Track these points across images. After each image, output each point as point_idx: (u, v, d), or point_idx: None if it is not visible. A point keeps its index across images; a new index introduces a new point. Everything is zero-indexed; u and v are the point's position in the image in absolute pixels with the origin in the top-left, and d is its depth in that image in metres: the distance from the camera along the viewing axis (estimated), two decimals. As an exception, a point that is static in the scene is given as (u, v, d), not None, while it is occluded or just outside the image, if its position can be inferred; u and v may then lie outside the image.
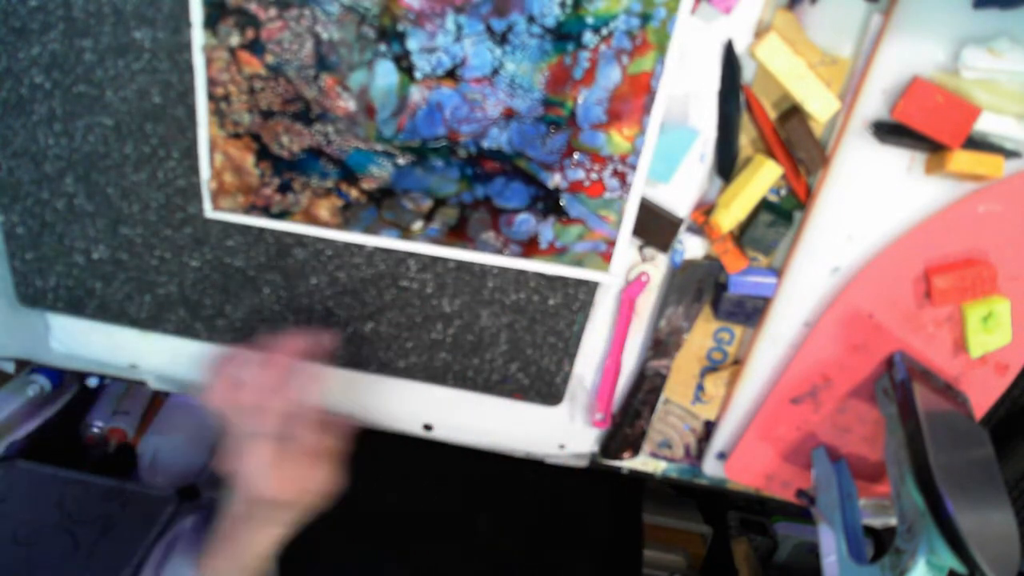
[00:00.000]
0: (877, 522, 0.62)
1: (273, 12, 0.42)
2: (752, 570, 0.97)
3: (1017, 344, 0.51)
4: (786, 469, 0.58)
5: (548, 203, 0.46)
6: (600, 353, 0.56)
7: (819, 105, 0.44)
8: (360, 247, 0.51)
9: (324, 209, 0.47)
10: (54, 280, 0.54)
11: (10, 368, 0.95)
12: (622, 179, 0.45)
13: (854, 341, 0.52)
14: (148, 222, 0.52)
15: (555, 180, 0.45)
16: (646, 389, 0.56)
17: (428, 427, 0.61)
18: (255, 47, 0.43)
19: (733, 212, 0.47)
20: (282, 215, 0.49)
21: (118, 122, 0.48)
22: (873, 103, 0.44)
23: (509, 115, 0.43)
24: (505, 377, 0.56)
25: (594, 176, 0.45)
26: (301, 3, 0.42)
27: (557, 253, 0.48)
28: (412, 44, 0.42)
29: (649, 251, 0.51)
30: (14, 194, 0.51)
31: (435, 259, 0.51)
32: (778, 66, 0.44)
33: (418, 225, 0.47)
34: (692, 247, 0.50)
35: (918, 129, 0.44)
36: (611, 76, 0.42)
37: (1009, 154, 0.45)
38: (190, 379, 0.60)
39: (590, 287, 0.52)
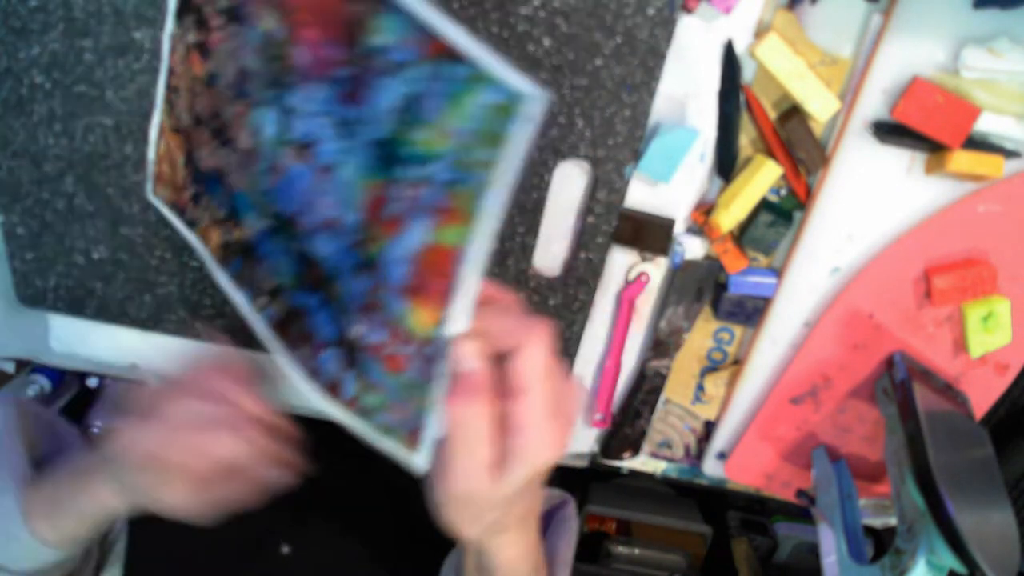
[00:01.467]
0: (877, 522, 0.62)
1: (219, 21, 0.39)
2: (752, 570, 0.97)
3: (1017, 344, 0.51)
4: (786, 469, 0.58)
5: (349, 352, 0.37)
6: (600, 353, 0.56)
7: (819, 105, 0.44)
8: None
9: (214, 236, 0.44)
10: (54, 280, 0.54)
11: (10, 368, 0.95)
12: (425, 366, 0.34)
13: (854, 341, 0.52)
14: (148, 222, 0.52)
15: (355, 330, 0.37)
16: (646, 389, 0.56)
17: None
18: (203, 50, 0.41)
19: (733, 212, 0.47)
20: (191, 224, 0.45)
21: (118, 122, 0.48)
22: (873, 103, 0.44)
23: (331, 225, 0.37)
24: (505, 377, 0.56)
25: (393, 349, 0.35)
26: (238, 20, 0.38)
27: (361, 412, 0.38)
28: (293, 100, 0.37)
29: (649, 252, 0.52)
30: (14, 194, 0.51)
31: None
32: (778, 66, 0.44)
33: (262, 300, 0.41)
34: (692, 247, 0.50)
35: (918, 129, 0.44)
36: (415, 234, 0.33)
37: (1009, 154, 0.45)
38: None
39: (590, 287, 0.52)
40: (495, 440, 0.30)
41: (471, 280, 0.31)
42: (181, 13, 0.41)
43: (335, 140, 0.35)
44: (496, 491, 0.31)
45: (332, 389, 0.38)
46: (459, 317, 0.31)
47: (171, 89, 0.44)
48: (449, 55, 0.30)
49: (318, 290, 0.39)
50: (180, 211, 0.46)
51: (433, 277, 0.33)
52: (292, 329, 0.40)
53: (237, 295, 0.43)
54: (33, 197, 0.51)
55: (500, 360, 0.31)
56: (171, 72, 0.43)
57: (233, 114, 0.40)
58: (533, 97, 0.27)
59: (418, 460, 0.34)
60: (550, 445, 0.30)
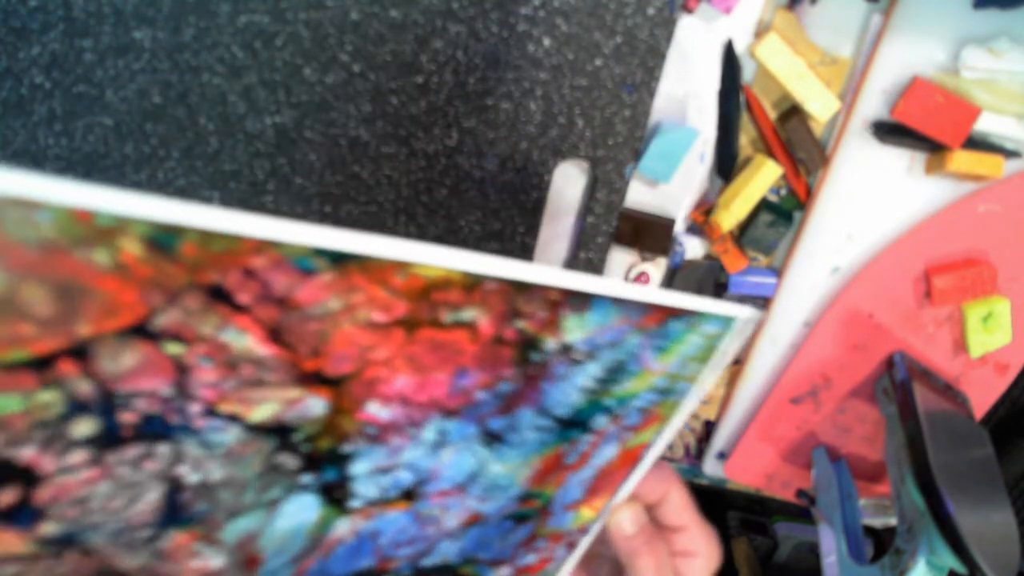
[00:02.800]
0: (877, 522, 0.62)
1: (77, 458, 0.20)
2: (752, 570, 0.97)
3: (1017, 344, 0.51)
4: (786, 469, 0.58)
5: None
6: (600, 353, 0.56)
7: (819, 105, 0.44)
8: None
9: None
10: (54, 280, 0.54)
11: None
12: (571, 547, 0.34)
13: (854, 341, 0.52)
14: (148, 222, 0.52)
15: (500, 573, 0.35)
16: (646, 389, 0.56)
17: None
18: (17, 516, 0.21)
19: (733, 212, 0.47)
20: None
21: (118, 122, 0.48)
22: (873, 103, 0.44)
23: (473, 521, 0.32)
24: (505, 377, 0.56)
25: (546, 554, 0.35)
26: (152, 437, 0.21)
27: None
28: (359, 468, 0.27)
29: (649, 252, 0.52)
30: (14, 194, 0.51)
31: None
32: (778, 66, 0.44)
33: None
34: (692, 247, 0.50)
35: (918, 129, 0.44)
36: (606, 454, 0.32)
37: (1009, 154, 0.45)
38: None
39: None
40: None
41: (647, 465, 0.32)
42: None
43: (474, 456, 0.30)
44: None
45: None
46: (623, 496, 0.33)
47: None
48: (663, 318, 0.28)
49: None
50: None
51: (613, 475, 0.33)
52: None
53: None
54: (33, 197, 0.51)
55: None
56: None
57: (158, 551, 0.24)
58: (749, 318, 0.28)
59: None
60: (715, 562, 0.35)
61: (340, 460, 0.26)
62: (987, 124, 0.44)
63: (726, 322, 0.28)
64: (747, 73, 0.46)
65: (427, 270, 0.22)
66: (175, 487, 0.23)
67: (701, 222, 0.50)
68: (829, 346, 0.52)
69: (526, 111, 0.46)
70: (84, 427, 0.20)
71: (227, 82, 0.47)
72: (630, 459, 0.33)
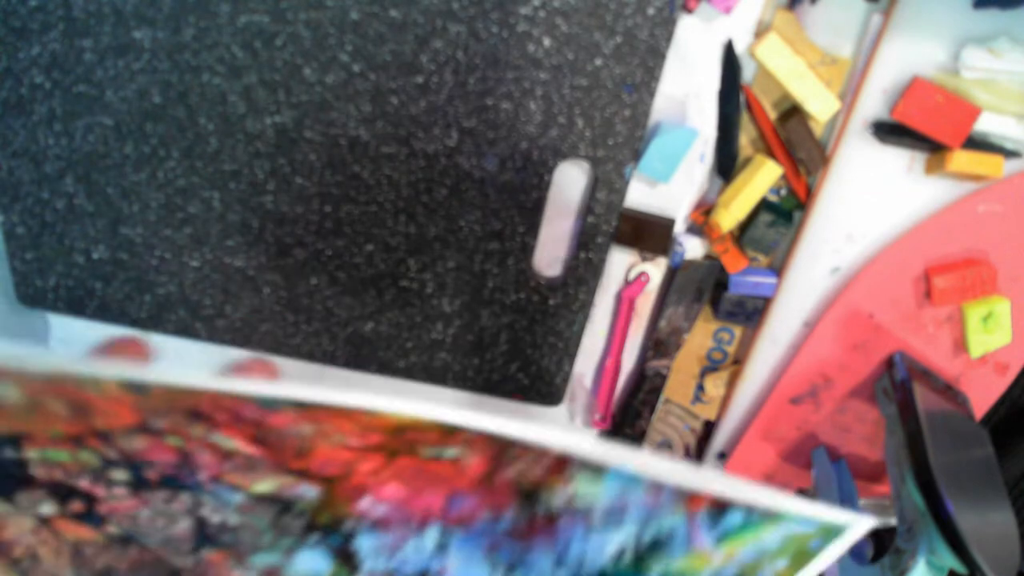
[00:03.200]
0: (877, 522, 0.62)
1: (120, 491, 0.27)
2: (752, 570, 0.97)
3: (1017, 344, 0.51)
4: (786, 469, 0.58)
5: None
6: (600, 353, 0.56)
7: (819, 105, 0.44)
8: (359, 249, 0.51)
9: None
10: (54, 280, 0.54)
11: (10, 368, 0.95)
12: None
13: (854, 341, 0.52)
14: (148, 222, 0.52)
15: None
16: (646, 389, 0.56)
17: (428, 427, 0.61)
18: (88, 518, 0.28)
19: (733, 212, 0.47)
20: None
21: (118, 122, 0.48)
22: (873, 103, 0.44)
23: None
24: (505, 377, 0.56)
25: None
26: (173, 487, 0.26)
27: None
28: (362, 544, 0.28)
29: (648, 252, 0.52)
30: (14, 194, 0.51)
31: (435, 259, 0.51)
32: (778, 66, 0.44)
33: None
34: (692, 247, 0.50)
35: (918, 129, 0.44)
36: None
37: (1009, 154, 0.45)
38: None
39: (590, 287, 0.52)
40: None
41: None
42: (7, 489, 0.27)
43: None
44: None
45: None
46: None
47: (15, 560, 0.29)
48: (720, 505, 0.25)
49: None
50: None
51: None
52: None
53: None
54: (33, 197, 0.51)
55: None
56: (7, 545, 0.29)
57: (201, 561, 0.28)
58: (856, 526, 0.26)
59: None
60: None
61: (344, 534, 0.27)
62: (987, 124, 0.44)
63: (820, 527, 0.25)
64: (747, 73, 0.46)
65: (394, 416, 0.24)
66: (201, 523, 0.28)
67: (701, 222, 0.50)
68: (829, 346, 0.52)
69: (526, 111, 0.46)
70: (119, 474, 0.26)
71: (227, 82, 0.47)
72: None
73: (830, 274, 0.50)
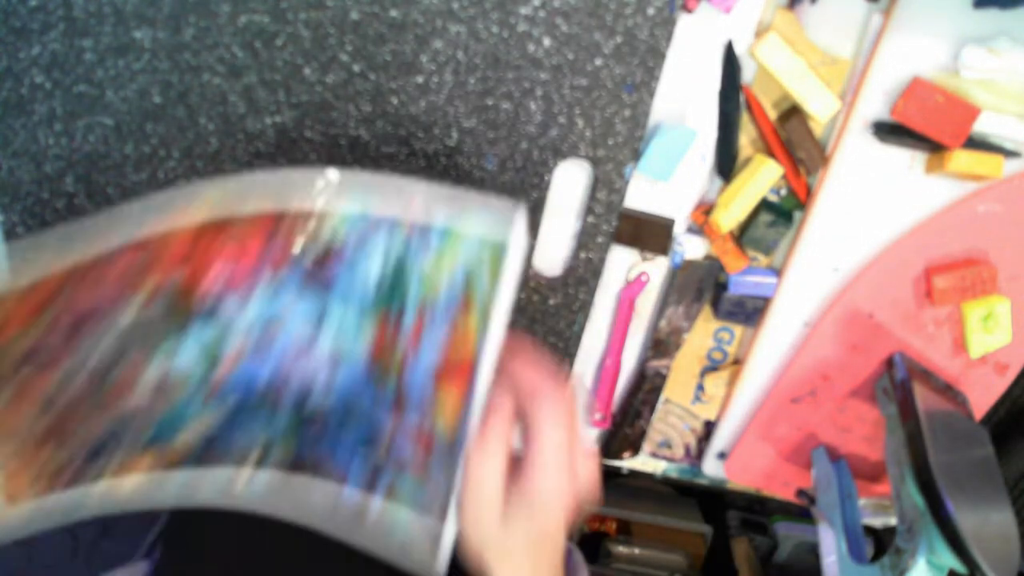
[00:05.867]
0: (877, 522, 0.62)
1: (45, 357, 0.39)
2: (752, 570, 0.97)
3: (1017, 344, 0.51)
4: (786, 469, 0.58)
5: (373, 477, 0.39)
6: (600, 353, 0.56)
7: (819, 105, 0.44)
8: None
9: (142, 464, 0.41)
10: (54, 280, 0.54)
11: (10, 368, 0.95)
12: (448, 462, 0.37)
13: (854, 341, 0.52)
14: (148, 222, 0.52)
15: (378, 454, 0.39)
16: (646, 389, 0.56)
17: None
18: (33, 387, 0.39)
19: (733, 212, 0.47)
20: (96, 478, 0.41)
21: (118, 122, 0.48)
22: (873, 103, 0.44)
23: (332, 378, 0.39)
24: (505, 377, 0.56)
25: (420, 458, 0.38)
26: (75, 336, 0.38)
27: (382, 529, 0.39)
28: (219, 319, 0.38)
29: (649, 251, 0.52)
30: (14, 194, 0.51)
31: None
32: (778, 66, 0.44)
33: (246, 472, 0.41)
34: (692, 247, 0.50)
35: (918, 129, 0.44)
36: (430, 355, 0.37)
37: (1009, 154, 0.45)
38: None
39: (590, 287, 0.52)
40: (506, 486, 0.32)
41: (485, 378, 0.34)
42: None
43: (302, 323, 0.38)
44: (506, 537, 0.32)
45: (357, 518, 0.39)
46: (477, 409, 0.34)
47: None
48: (423, 227, 0.35)
49: (321, 439, 0.40)
50: (70, 482, 0.41)
51: (453, 382, 0.36)
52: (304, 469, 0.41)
53: (207, 482, 0.41)
54: (33, 197, 0.51)
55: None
56: None
57: (115, 381, 0.39)
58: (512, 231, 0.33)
59: (438, 567, 0.36)
60: (556, 501, 0.31)
61: (202, 316, 0.38)
62: (987, 124, 0.44)
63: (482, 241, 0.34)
64: (747, 73, 0.46)
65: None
66: (105, 355, 0.39)
67: (701, 222, 0.50)
68: (829, 346, 0.52)
69: (526, 111, 0.46)
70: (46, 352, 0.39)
71: (227, 82, 0.47)
72: (461, 370, 0.36)
73: (830, 274, 0.50)
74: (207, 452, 0.41)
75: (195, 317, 0.38)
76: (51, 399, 0.39)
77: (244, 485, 0.41)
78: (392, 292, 0.37)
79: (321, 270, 0.37)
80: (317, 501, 0.40)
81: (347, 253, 0.37)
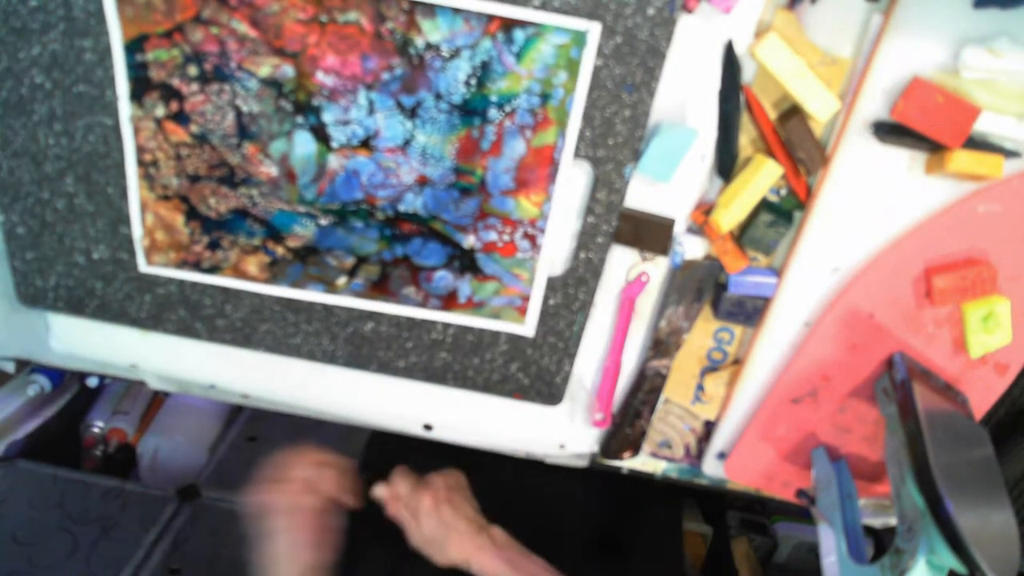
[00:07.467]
0: (877, 522, 0.62)
1: (195, 87, 0.45)
2: (752, 570, 0.97)
3: (1017, 344, 0.51)
4: (786, 469, 0.58)
5: (464, 261, 0.50)
6: (600, 353, 0.56)
7: (819, 105, 0.44)
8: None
9: (252, 265, 0.51)
10: (54, 280, 0.54)
11: (10, 368, 0.95)
12: (532, 241, 0.49)
13: (854, 341, 0.52)
14: (148, 222, 0.52)
15: (470, 241, 0.49)
16: (646, 389, 0.56)
17: (428, 427, 0.61)
18: (180, 118, 0.46)
19: (733, 212, 0.47)
20: (212, 270, 0.51)
21: (118, 122, 0.48)
22: (873, 103, 0.44)
23: (423, 182, 0.47)
24: (505, 377, 0.56)
25: (506, 238, 0.49)
26: (221, 79, 0.45)
27: (475, 307, 0.51)
28: (327, 117, 0.45)
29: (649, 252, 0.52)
30: (14, 194, 0.51)
31: (435, 259, 0.52)
32: (778, 66, 0.44)
33: (342, 280, 0.51)
34: (692, 247, 0.50)
35: (918, 129, 0.44)
36: (516, 148, 0.45)
37: (1009, 154, 0.45)
38: (190, 379, 0.60)
39: (590, 287, 0.52)
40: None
41: (567, 162, 0.46)
42: (137, 94, 0.46)
43: (401, 125, 0.45)
44: (427, 540, 0.56)
45: (449, 300, 0.51)
46: (562, 189, 0.47)
47: (145, 165, 0.48)
48: (507, 26, 0.41)
49: (415, 237, 0.49)
50: (194, 265, 0.51)
51: (534, 171, 0.46)
52: (390, 282, 0.51)
53: (308, 295, 0.52)
54: (33, 197, 0.51)
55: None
56: (140, 150, 0.48)
57: (244, 156, 0.47)
58: (592, 31, 0.41)
59: (526, 328, 0.53)
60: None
61: (314, 109, 0.45)
62: (987, 124, 0.44)
63: (571, 33, 0.41)
64: (747, 73, 0.46)
65: None
66: (238, 112, 0.46)
67: (701, 222, 0.50)
68: (829, 346, 0.52)
69: (526, 111, 0.46)
70: (192, 69, 0.45)
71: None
72: (543, 159, 0.46)
73: (830, 274, 0.50)
74: (308, 263, 0.50)
75: (308, 111, 0.45)
76: (187, 151, 0.47)
77: (340, 292, 0.51)
78: (479, 94, 0.43)
79: (414, 75, 0.43)
80: (408, 293, 0.51)
81: (438, 58, 0.42)
